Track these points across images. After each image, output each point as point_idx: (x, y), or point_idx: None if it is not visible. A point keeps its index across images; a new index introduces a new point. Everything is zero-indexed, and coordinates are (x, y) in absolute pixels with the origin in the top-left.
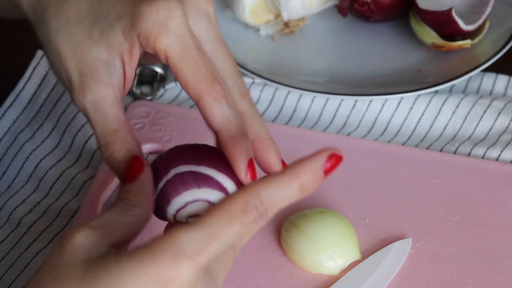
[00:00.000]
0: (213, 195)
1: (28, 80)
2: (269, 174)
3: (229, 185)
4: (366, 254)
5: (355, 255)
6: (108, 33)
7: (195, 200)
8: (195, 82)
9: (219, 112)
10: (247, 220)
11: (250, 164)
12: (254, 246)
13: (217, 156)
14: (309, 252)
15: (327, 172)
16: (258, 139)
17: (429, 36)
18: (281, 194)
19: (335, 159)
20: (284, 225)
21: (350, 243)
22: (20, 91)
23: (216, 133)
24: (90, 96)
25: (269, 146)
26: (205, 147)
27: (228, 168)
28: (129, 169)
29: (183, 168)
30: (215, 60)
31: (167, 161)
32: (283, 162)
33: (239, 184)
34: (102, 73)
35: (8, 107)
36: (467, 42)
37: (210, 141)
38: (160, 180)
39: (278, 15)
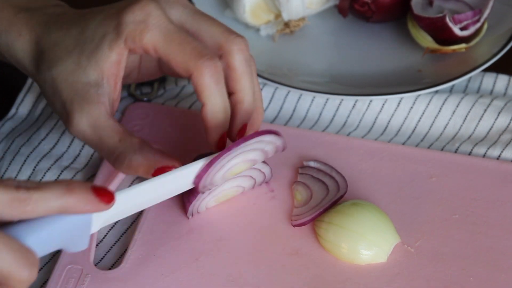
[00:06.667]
0: None
1: (27, 92)
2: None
3: None
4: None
5: (395, 238)
6: (95, 54)
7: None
8: (183, 60)
9: (207, 86)
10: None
11: (221, 139)
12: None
13: None
14: (346, 242)
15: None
16: (238, 100)
17: (425, 40)
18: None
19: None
20: (317, 224)
21: (388, 228)
22: (20, 104)
23: (202, 105)
24: (85, 119)
25: (240, 108)
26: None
27: None
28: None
29: None
30: (202, 28)
31: None
32: (244, 127)
33: None
34: (92, 94)
35: (7, 120)
36: (461, 46)
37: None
38: None
39: (278, 15)
